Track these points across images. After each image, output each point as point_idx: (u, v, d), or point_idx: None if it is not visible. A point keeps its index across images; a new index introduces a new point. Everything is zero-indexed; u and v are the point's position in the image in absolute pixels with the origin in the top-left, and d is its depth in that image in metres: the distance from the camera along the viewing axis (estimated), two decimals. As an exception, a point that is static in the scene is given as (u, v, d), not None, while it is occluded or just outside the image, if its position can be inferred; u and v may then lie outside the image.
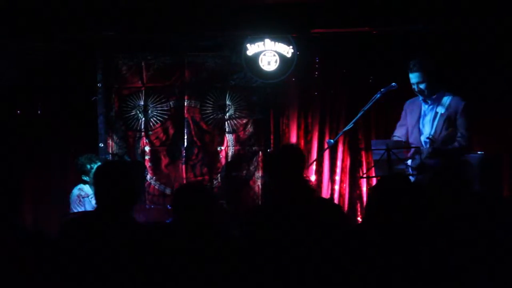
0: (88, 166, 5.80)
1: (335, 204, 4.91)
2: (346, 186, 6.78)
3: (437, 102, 5.36)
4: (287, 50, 6.40)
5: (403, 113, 5.60)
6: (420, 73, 5.30)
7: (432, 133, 5.32)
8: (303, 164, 3.54)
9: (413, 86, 5.38)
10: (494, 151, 5.99)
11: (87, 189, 5.85)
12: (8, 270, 3.04)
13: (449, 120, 5.29)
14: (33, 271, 3.06)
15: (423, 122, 5.42)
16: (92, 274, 3.11)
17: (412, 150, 5.31)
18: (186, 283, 3.18)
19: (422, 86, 5.33)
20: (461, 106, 5.29)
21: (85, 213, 5.29)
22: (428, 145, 5.30)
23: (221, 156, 6.61)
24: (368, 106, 5.44)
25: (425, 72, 5.30)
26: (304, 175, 3.51)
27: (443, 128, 5.29)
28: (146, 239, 3.23)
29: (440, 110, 5.32)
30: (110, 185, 3.26)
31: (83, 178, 5.87)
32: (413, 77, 5.34)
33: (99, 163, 5.82)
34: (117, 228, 3.21)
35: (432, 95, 5.35)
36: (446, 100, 5.33)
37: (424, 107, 5.43)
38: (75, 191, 5.87)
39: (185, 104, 6.60)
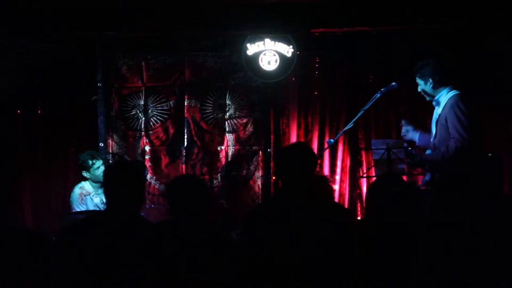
0: (90, 162, 5.77)
1: (343, 207, 4.85)
2: (346, 186, 6.79)
3: (440, 102, 5.15)
4: (287, 50, 6.40)
5: None
6: (416, 77, 5.22)
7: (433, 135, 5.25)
8: (316, 163, 3.55)
9: None
10: (494, 151, 5.99)
11: (88, 186, 5.84)
12: (7, 270, 3.04)
13: (440, 122, 5.08)
14: (32, 272, 3.06)
15: (432, 124, 5.28)
16: (102, 274, 3.11)
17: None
18: (193, 282, 3.19)
19: (418, 88, 5.27)
20: (451, 103, 5.01)
21: (94, 212, 5.26)
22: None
23: (221, 156, 6.61)
24: (368, 105, 5.42)
25: (418, 75, 5.18)
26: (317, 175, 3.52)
27: (437, 129, 5.12)
28: (157, 237, 3.25)
29: (439, 110, 5.14)
30: (122, 186, 3.29)
31: (83, 174, 5.85)
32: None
33: (100, 160, 5.84)
34: (128, 227, 3.22)
35: (433, 97, 5.19)
36: (445, 98, 5.10)
37: (435, 108, 5.25)
38: (76, 190, 5.85)
39: (185, 104, 6.60)
